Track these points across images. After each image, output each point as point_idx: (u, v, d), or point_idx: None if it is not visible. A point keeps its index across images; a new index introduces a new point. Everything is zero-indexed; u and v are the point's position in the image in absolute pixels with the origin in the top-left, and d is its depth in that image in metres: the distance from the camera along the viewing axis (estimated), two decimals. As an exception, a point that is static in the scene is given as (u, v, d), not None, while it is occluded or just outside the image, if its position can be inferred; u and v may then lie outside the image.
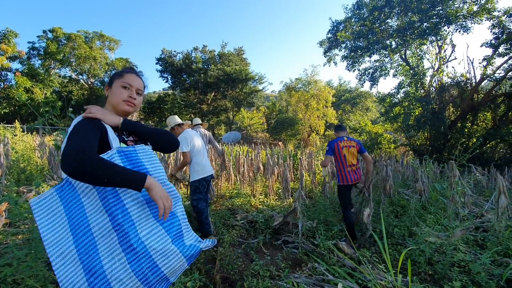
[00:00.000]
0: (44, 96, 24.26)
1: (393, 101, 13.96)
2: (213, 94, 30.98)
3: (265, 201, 5.52)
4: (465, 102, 11.97)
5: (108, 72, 30.82)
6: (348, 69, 14.47)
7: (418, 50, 13.19)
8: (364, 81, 14.48)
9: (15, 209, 3.69)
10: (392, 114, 13.76)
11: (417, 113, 12.69)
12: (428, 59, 13.46)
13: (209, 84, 28.81)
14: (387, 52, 13.17)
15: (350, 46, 13.93)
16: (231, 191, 6.05)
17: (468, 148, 10.22)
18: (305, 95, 21.64)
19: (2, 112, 21.66)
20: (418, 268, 2.79)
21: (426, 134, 13.08)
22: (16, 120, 14.51)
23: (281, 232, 3.76)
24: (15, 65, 24.61)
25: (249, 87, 29.13)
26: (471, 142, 11.68)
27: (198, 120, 5.33)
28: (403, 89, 13.73)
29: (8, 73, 23.89)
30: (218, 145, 5.24)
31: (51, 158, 7.16)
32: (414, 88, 13.26)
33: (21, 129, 13.01)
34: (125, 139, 1.23)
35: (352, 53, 13.77)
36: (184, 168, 4.57)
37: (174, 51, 32.78)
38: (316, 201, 4.80)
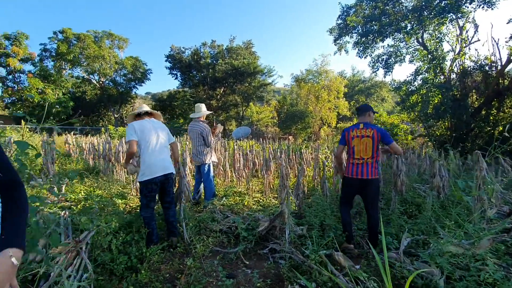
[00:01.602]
0: (57, 96, 24.68)
1: (410, 89, 12.86)
2: (222, 89, 30.59)
3: (261, 200, 4.99)
4: (490, 87, 10.80)
5: (118, 71, 31.09)
6: (359, 56, 13.48)
7: (436, 32, 12.02)
8: (378, 69, 13.43)
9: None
10: (408, 103, 12.71)
11: (436, 101, 11.62)
12: (448, 42, 12.28)
13: (218, 79, 28.40)
14: (402, 35, 12.07)
15: (361, 31, 12.93)
16: (226, 189, 5.56)
17: (493, 138, 9.19)
18: (316, 87, 20.71)
19: (16, 113, 22.22)
20: (434, 289, 2.17)
21: (446, 123, 11.99)
22: (22, 120, 14.70)
23: (269, 238, 3.22)
24: (27, 66, 25.12)
25: (258, 80, 28.46)
26: (497, 131, 10.57)
27: (200, 107, 4.51)
28: (421, 76, 12.60)
29: (22, 75, 24.48)
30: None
31: (46, 158, 6.94)
32: (432, 74, 12.14)
33: (27, 129, 13.12)
34: None
35: (363, 38, 12.77)
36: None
37: (183, 47, 32.57)
38: (313, 201, 4.21)
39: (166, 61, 32.92)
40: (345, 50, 16.12)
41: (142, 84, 33.69)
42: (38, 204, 3.65)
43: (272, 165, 5.12)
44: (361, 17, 12.74)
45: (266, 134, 24.59)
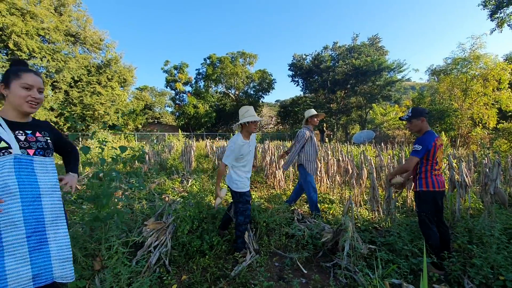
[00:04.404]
0: (205, 109, 31.03)
1: None
2: (343, 91, 29.31)
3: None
4: None
5: (249, 84, 35.63)
6: (529, 30, 9.68)
7: None
8: None
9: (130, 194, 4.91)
10: None
11: None
12: None
13: (338, 82, 27.48)
14: None
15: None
16: (318, 196, 5.45)
17: None
18: (462, 78, 16.34)
19: (180, 124, 29.73)
20: None
21: None
22: (179, 129, 19.50)
23: (337, 252, 2.99)
24: (187, 88, 33.08)
25: (385, 78, 25.39)
26: None
27: (308, 112, 4.26)
28: None
29: (184, 95, 32.49)
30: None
31: (182, 157, 9.05)
32: None
33: (183, 136, 17.29)
34: (19, 137, 1.31)
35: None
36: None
37: (304, 54, 33.62)
38: (401, 221, 3.50)
39: (289, 69, 34.96)
40: (508, 25, 12.09)
41: (268, 93, 37.11)
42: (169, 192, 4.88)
43: (365, 173, 4.59)
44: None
45: (393, 138, 21.59)
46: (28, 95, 1.31)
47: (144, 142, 15.00)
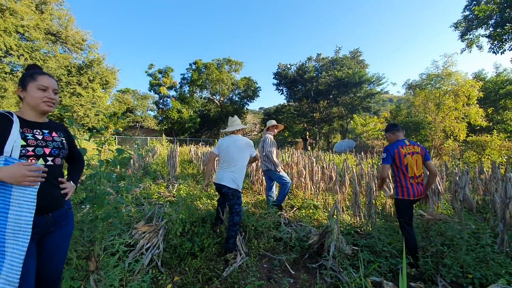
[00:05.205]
0: (189, 115, 30.77)
1: None
2: (325, 102, 30.21)
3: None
4: None
5: (234, 91, 35.81)
6: (494, 52, 10.61)
7: None
8: (526, 64, 10.20)
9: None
10: None
11: None
12: None
13: (321, 92, 28.30)
14: None
15: (494, 21, 10.21)
16: (303, 201, 5.64)
17: None
18: (436, 93, 17.44)
19: (163, 128, 29.27)
20: None
21: None
22: (163, 134, 19.26)
23: (322, 253, 3.15)
24: (172, 92, 32.71)
25: (365, 90, 26.53)
26: None
27: (270, 122, 4.97)
28: None
29: (168, 99, 32.11)
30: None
31: (168, 162, 8.98)
32: None
33: (166, 141, 17.06)
34: (28, 136, 1.32)
35: (498, 29, 10.00)
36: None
37: (289, 64, 34.36)
38: (380, 227, 3.75)
39: (274, 78, 35.54)
40: (477, 46, 13.10)
41: (253, 100, 37.43)
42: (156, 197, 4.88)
43: (347, 180, 4.84)
44: (493, 4, 10.11)
45: (372, 147, 22.45)
46: (44, 96, 1.39)
47: (127, 146, 14.67)
